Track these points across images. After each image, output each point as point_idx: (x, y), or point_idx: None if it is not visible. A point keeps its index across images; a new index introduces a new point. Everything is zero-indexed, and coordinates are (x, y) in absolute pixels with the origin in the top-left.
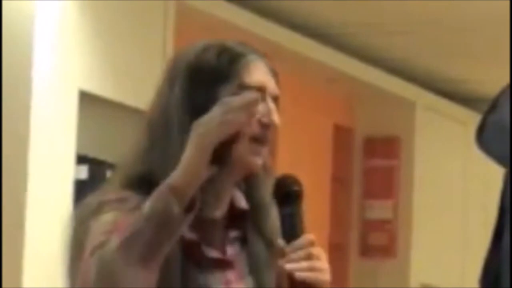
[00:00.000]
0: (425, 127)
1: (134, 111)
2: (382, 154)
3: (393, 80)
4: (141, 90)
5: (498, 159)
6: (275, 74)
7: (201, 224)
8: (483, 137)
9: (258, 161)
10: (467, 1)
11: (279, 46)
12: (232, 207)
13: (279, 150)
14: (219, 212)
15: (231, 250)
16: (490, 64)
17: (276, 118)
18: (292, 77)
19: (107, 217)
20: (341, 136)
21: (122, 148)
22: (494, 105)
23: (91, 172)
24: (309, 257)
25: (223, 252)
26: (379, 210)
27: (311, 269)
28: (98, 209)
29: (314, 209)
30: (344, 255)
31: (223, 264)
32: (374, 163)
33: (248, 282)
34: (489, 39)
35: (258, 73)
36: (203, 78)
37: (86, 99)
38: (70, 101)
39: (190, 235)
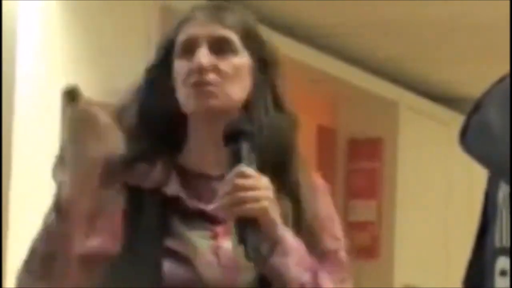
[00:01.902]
0: (408, 127)
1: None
2: (366, 155)
3: (376, 81)
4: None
5: (481, 160)
6: (221, 19)
7: (192, 180)
8: (466, 138)
9: (204, 102)
10: (449, 1)
11: None
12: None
13: None
14: (216, 170)
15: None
16: (473, 65)
17: (202, 58)
18: None
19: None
20: (325, 137)
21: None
22: (477, 105)
23: None
24: (234, 189)
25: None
26: (363, 211)
27: (234, 203)
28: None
29: None
30: None
31: (210, 218)
32: (357, 164)
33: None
34: (471, 40)
35: (191, 28)
36: (160, 53)
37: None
38: (53, 102)
39: (174, 191)
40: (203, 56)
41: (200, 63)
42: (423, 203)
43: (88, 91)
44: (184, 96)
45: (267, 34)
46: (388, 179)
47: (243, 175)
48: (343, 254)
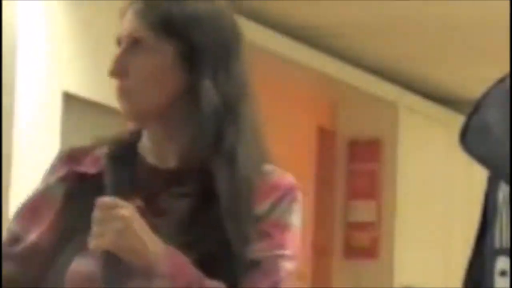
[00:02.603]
0: (407, 128)
1: (119, 113)
2: (365, 156)
3: (375, 82)
4: None
5: (481, 161)
6: (144, 14)
7: (138, 169)
8: (466, 139)
9: (122, 106)
10: (450, 1)
11: (263, 48)
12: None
13: None
14: (164, 163)
15: (165, 200)
16: (473, 66)
17: (113, 63)
18: (275, 79)
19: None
20: (325, 138)
21: None
22: (477, 106)
23: None
24: (95, 222)
25: (150, 200)
26: (362, 211)
27: (94, 236)
28: None
29: None
30: (328, 257)
31: (143, 211)
32: (357, 165)
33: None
34: (471, 40)
35: (121, 26)
36: None
37: (70, 100)
38: (54, 103)
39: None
40: (115, 61)
41: (110, 69)
42: (422, 203)
43: (89, 93)
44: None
45: (268, 35)
46: (388, 180)
47: (100, 207)
48: (284, 266)
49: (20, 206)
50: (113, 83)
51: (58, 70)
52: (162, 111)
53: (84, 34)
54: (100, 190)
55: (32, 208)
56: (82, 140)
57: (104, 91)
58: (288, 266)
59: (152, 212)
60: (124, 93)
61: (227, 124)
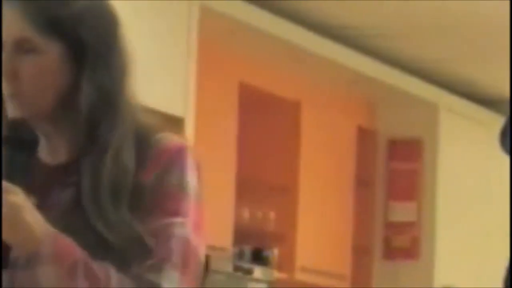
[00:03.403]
0: (448, 129)
1: (156, 113)
2: (405, 156)
3: (415, 82)
4: (164, 93)
5: None
6: (23, 11)
7: (34, 169)
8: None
9: (13, 101)
10: (491, 1)
11: (301, 48)
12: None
13: (303, 153)
14: (55, 159)
15: (55, 194)
16: None
17: (5, 63)
18: (314, 79)
19: None
20: (364, 138)
21: None
22: None
23: None
24: None
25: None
26: (403, 212)
27: None
28: None
29: (338, 211)
30: (368, 258)
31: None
32: (397, 165)
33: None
34: None
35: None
36: None
37: None
38: None
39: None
40: (2, 65)
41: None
42: (462, 204)
43: None
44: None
45: (306, 35)
46: (428, 180)
47: None
48: (176, 234)
49: None
50: (145, 84)
51: None
52: (51, 111)
53: (124, 35)
54: None
55: None
56: None
57: (143, 92)
58: (181, 233)
59: (45, 207)
60: (13, 96)
61: (103, 117)
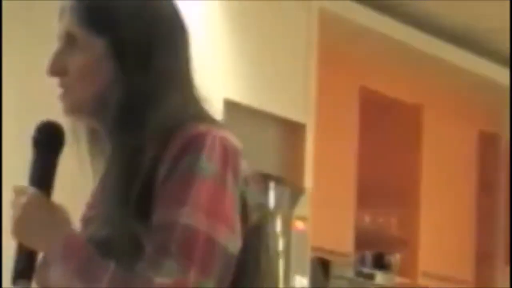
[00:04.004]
0: None
1: (278, 120)
2: None
3: None
4: (284, 99)
5: None
6: (72, 8)
7: None
8: None
9: (61, 95)
10: None
11: (421, 52)
12: None
13: (425, 158)
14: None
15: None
16: None
17: (48, 63)
18: (435, 83)
19: None
20: (487, 142)
21: (267, 157)
22: None
23: None
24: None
25: None
26: None
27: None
28: None
29: (460, 216)
30: (490, 263)
31: None
32: None
33: None
34: None
35: (58, 24)
36: None
37: (231, 107)
38: (215, 110)
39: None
40: (51, 59)
41: (47, 68)
42: None
43: (249, 100)
44: None
45: (426, 39)
46: None
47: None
48: (180, 223)
49: None
50: (267, 90)
51: (220, 77)
52: (93, 107)
53: (245, 40)
54: None
55: None
56: (243, 148)
57: (264, 98)
58: (186, 221)
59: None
60: (62, 90)
61: (130, 119)
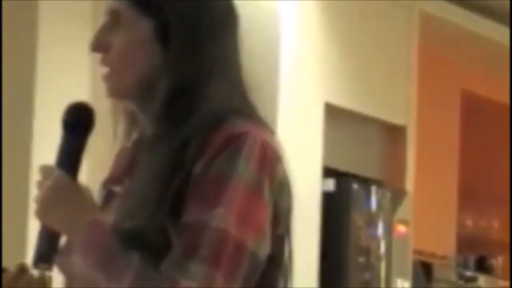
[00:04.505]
0: None
1: (379, 123)
2: None
3: None
4: (385, 102)
5: None
6: None
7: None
8: None
9: (104, 73)
10: None
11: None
12: None
13: None
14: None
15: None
16: None
17: (92, 39)
18: None
19: None
20: None
21: (368, 160)
22: None
23: (338, 185)
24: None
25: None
26: None
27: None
28: None
29: None
30: None
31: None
32: None
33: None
34: None
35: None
36: None
37: (331, 111)
38: (315, 114)
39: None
40: (95, 36)
41: (90, 44)
42: None
43: (350, 103)
44: None
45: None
46: None
47: (39, 175)
48: (211, 226)
49: None
50: (368, 93)
51: (320, 80)
52: (135, 90)
53: (345, 43)
54: None
55: None
56: (343, 151)
57: (365, 101)
58: (218, 224)
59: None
60: (106, 70)
61: (176, 106)
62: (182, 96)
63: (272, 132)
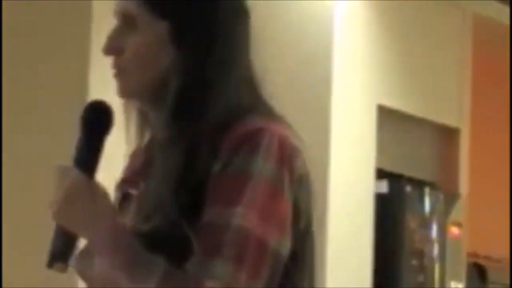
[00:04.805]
0: None
1: (432, 125)
2: None
3: None
4: (438, 104)
5: None
6: None
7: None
8: None
9: (117, 76)
10: None
11: None
12: None
13: None
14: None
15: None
16: None
17: (105, 42)
18: None
19: None
20: None
21: (421, 162)
22: None
23: (391, 187)
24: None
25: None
26: None
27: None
28: None
29: None
30: None
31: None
32: None
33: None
34: None
35: (115, 2)
36: None
37: (384, 113)
38: (368, 116)
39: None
40: (108, 38)
41: (103, 47)
42: None
43: (403, 106)
44: None
45: None
46: None
47: (56, 176)
48: (232, 225)
49: None
50: (421, 95)
51: (373, 82)
52: (149, 91)
53: (398, 45)
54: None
55: None
56: (396, 153)
57: (418, 103)
58: (240, 223)
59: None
60: (118, 71)
61: (187, 106)
62: (195, 95)
63: (288, 126)
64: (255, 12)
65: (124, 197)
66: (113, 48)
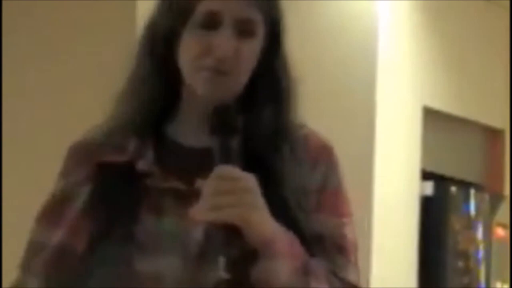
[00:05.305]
0: None
1: (477, 126)
2: None
3: None
4: (483, 105)
5: None
6: None
7: (173, 153)
8: None
9: (215, 91)
10: None
11: None
12: None
13: None
14: (197, 141)
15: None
16: None
17: (224, 44)
18: None
19: None
20: None
21: (466, 163)
22: None
23: (437, 188)
24: (210, 193)
25: (191, 183)
26: None
27: (214, 208)
28: None
29: None
30: None
31: (183, 197)
32: None
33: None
34: None
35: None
36: (169, 16)
37: (430, 115)
38: (414, 118)
39: (145, 166)
40: (227, 41)
41: (222, 50)
42: None
43: (448, 107)
44: (191, 75)
45: None
46: None
47: (221, 177)
48: (347, 235)
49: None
50: (466, 96)
51: (418, 84)
52: (241, 95)
53: (444, 49)
54: (133, 178)
55: (55, 214)
56: (441, 154)
57: (463, 104)
58: (350, 233)
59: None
60: (224, 78)
61: (274, 107)
62: (273, 101)
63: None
64: (297, 12)
65: None
66: (231, 54)
